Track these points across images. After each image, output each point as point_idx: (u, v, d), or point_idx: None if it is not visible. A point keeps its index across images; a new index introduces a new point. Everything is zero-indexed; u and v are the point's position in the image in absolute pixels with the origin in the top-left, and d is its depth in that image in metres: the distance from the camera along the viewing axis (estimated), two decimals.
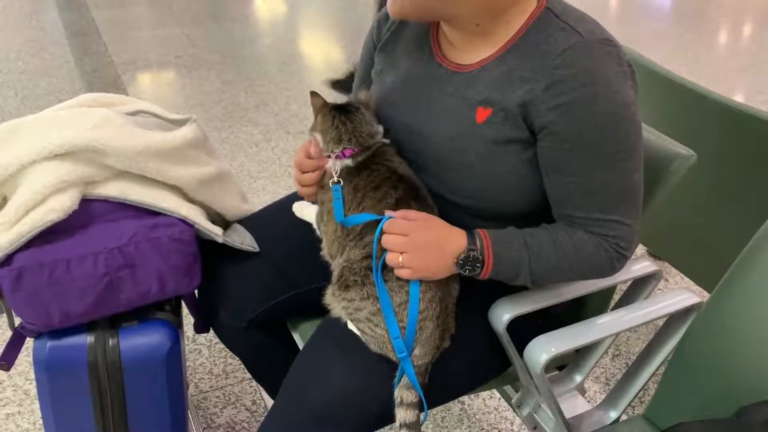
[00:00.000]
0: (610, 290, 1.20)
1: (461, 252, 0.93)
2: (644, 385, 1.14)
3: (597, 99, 0.89)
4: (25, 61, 3.41)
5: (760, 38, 4.58)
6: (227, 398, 1.61)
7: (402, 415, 0.94)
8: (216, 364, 1.70)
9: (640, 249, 2.13)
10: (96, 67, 3.40)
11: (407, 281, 0.93)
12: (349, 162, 1.01)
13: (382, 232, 0.93)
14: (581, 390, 1.21)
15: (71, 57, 3.50)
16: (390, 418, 0.96)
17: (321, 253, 1.08)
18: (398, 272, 0.92)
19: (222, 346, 1.65)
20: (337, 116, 1.03)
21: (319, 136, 1.04)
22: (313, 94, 1.07)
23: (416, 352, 0.94)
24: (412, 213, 0.95)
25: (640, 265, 1.14)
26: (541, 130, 0.92)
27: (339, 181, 1.01)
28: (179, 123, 1.21)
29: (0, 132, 1.09)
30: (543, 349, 0.96)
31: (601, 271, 0.99)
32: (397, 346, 0.93)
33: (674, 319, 1.11)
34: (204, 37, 3.89)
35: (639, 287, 1.16)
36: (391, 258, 0.92)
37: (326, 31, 4.36)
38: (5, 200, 1.04)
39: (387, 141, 1.04)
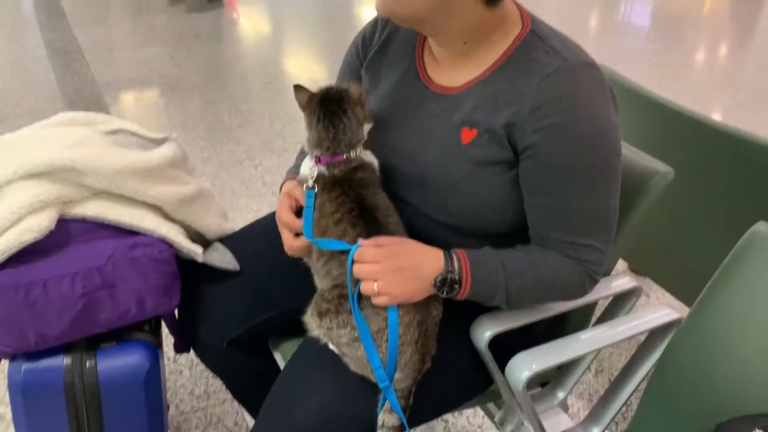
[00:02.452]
0: (591, 306, 1.20)
1: (438, 273, 0.92)
2: (626, 401, 1.14)
3: (580, 123, 0.90)
4: (5, 81, 3.39)
5: (736, 57, 4.67)
6: (209, 419, 1.58)
7: None
8: (197, 385, 1.67)
9: (621, 264, 2.15)
10: (78, 86, 3.38)
11: (384, 307, 0.92)
12: (324, 170, 1.00)
13: (353, 262, 0.92)
14: (564, 407, 1.21)
15: (53, 76, 3.48)
16: None
17: (303, 259, 1.07)
18: (375, 300, 0.91)
19: (203, 366, 1.63)
20: (322, 120, 1.00)
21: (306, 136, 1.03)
22: (297, 87, 1.03)
23: (397, 376, 0.93)
24: (382, 239, 0.94)
25: (621, 281, 1.14)
26: (524, 151, 0.93)
27: (313, 187, 0.99)
28: (159, 142, 1.20)
29: None
30: (524, 366, 0.96)
31: (573, 293, 1.00)
32: (378, 375, 0.92)
33: (655, 334, 1.11)
34: (187, 57, 3.89)
35: (620, 303, 1.17)
36: (366, 287, 0.91)
37: (310, 50, 4.38)
38: None
39: (373, 162, 1.04)
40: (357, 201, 0.98)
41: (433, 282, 0.93)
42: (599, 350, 1.15)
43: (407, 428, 0.93)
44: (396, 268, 0.91)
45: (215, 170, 2.70)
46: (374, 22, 1.12)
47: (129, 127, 1.20)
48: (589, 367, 1.21)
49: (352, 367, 0.96)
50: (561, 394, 1.21)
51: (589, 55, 0.96)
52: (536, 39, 0.95)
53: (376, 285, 0.90)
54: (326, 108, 1.00)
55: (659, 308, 1.09)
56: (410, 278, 0.92)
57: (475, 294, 0.95)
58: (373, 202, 0.99)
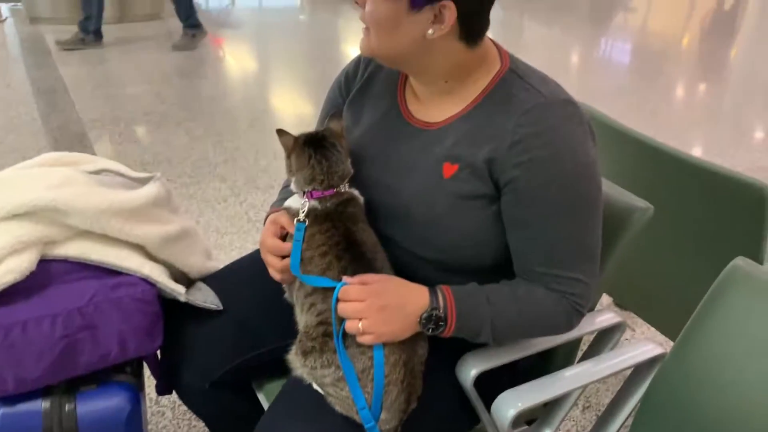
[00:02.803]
0: (576, 342, 1.20)
1: (424, 311, 0.93)
2: None
3: (559, 157, 0.92)
4: None
5: (713, 93, 4.78)
6: None
7: None
8: (180, 427, 1.64)
9: (606, 299, 2.15)
10: (62, 124, 3.38)
11: (369, 346, 0.92)
12: (316, 204, 1.01)
13: (337, 300, 0.92)
14: None
15: (38, 114, 3.48)
16: None
17: (285, 296, 1.07)
18: (360, 339, 0.91)
19: (186, 408, 1.61)
20: (314, 155, 1.01)
21: (293, 178, 1.04)
22: (281, 132, 1.05)
23: (383, 416, 0.92)
24: (367, 277, 0.94)
25: (605, 316, 1.15)
26: (505, 185, 0.94)
27: (304, 221, 1.00)
28: (143, 181, 1.20)
29: None
30: (510, 404, 0.96)
31: (559, 328, 1.00)
32: (363, 416, 0.91)
33: (640, 369, 1.11)
34: (173, 94, 3.91)
35: (604, 339, 1.17)
36: (350, 326, 0.91)
37: (295, 87, 4.42)
38: None
39: (360, 198, 1.04)
40: (345, 236, 0.99)
41: (418, 319, 0.93)
42: (585, 386, 1.15)
43: None
44: (381, 306, 0.91)
45: (200, 207, 2.69)
46: (357, 61, 1.14)
47: (113, 167, 1.20)
48: (576, 403, 1.21)
49: (337, 408, 0.95)
50: None
51: (567, 92, 0.98)
52: (515, 77, 0.97)
53: (361, 324, 0.90)
54: (315, 144, 1.02)
55: (643, 343, 1.09)
56: (395, 316, 0.92)
57: (461, 331, 0.95)
58: (360, 238, 1.00)
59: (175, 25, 5.48)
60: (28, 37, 4.87)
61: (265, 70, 4.82)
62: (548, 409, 1.20)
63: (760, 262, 1.32)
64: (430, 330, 0.93)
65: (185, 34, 4.81)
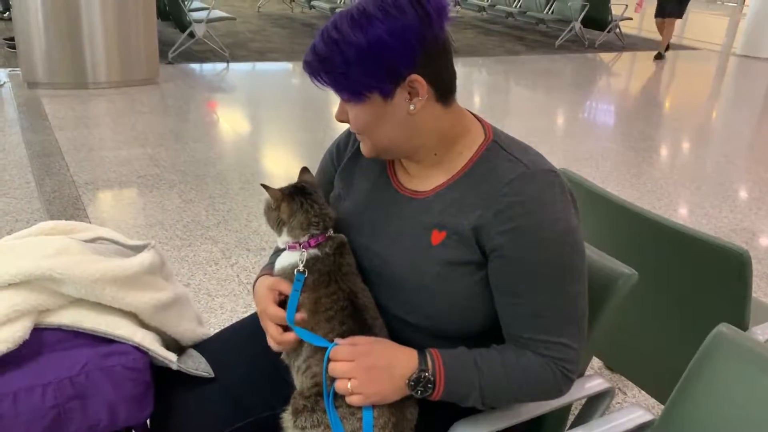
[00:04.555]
0: (567, 408, 1.21)
1: (412, 373, 0.94)
2: None
3: (542, 225, 0.95)
4: None
5: (695, 155, 4.90)
6: None
7: None
8: None
9: (597, 362, 2.16)
10: (56, 187, 3.41)
11: (359, 408, 0.93)
12: (316, 252, 1.03)
13: (329, 360, 0.94)
14: None
15: (32, 177, 3.51)
16: None
17: (282, 356, 1.08)
18: (349, 399, 0.92)
19: None
20: (304, 201, 1.06)
21: (285, 229, 1.06)
22: (266, 186, 1.08)
23: None
24: (358, 338, 0.96)
25: (594, 382, 1.16)
26: (491, 252, 0.97)
27: (304, 271, 1.02)
28: (138, 249, 1.22)
29: None
30: None
31: (548, 393, 1.01)
32: None
33: None
34: (167, 157, 3.96)
35: (594, 404, 1.18)
36: (340, 386, 0.93)
37: (286, 150, 4.50)
38: None
39: (345, 238, 1.08)
40: (350, 299, 1.02)
41: (407, 382, 0.94)
42: None
43: None
44: (369, 367, 0.93)
45: (191, 270, 2.70)
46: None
47: (108, 235, 1.22)
48: None
49: None
50: None
51: (548, 161, 1.02)
52: (498, 148, 1.01)
53: (350, 384, 0.91)
54: (301, 192, 1.07)
55: (633, 409, 1.10)
56: (384, 377, 0.93)
57: (450, 394, 0.96)
58: (363, 303, 1.03)
59: (171, 88, 5.61)
60: (24, 101, 4.95)
61: (257, 132, 4.91)
62: None
63: (745, 326, 1.34)
64: (419, 392, 0.94)
65: None
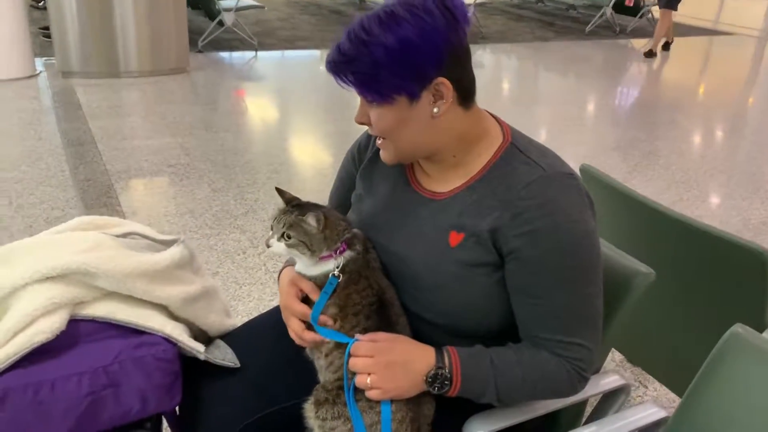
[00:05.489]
0: (582, 404, 1.23)
1: (430, 370, 0.97)
2: None
3: (559, 228, 0.97)
4: (22, 170, 3.52)
5: (727, 144, 4.81)
6: None
7: None
8: None
9: (618, 356, 2.17)
10: (89, 176, 3.51)
11: (378, 402, 0.96)
12: (351, 253, 1.06)
13: (349, 355, 0.98)
14: None
15: (66, 166, 3.61)
16: None
17: (305, 351, 1.11)
18: (368, 393, 0.96)
19: None
20: (323, 215, 1.05)
21: (323, 247, 1.06)
22: (300, 215, 1.06)
23: None
24: (378, 335, 1.00)
25: (610, 379, 1.18)
26: (508, 254, 1.00)
27: (338, 275, 1.05)
28: (168, 243, 1.27)
29: None
30: None
31: (562, 392, 1.03)
32: None
33: (646, 430, 1.13)
34: (197, 147, 4.04)
35: (609, 401, 1.20)
36: (359, 380, 0.96)
37: (313, 139, 4.54)
38: None
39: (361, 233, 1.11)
40: (378, 296, 1.05)
41: (424, 378, 0.97)
42: None
43: None
44: (388, 363, 0.96)
45: (220, 258, 2.76)
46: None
47: (139, 230, 1.27)
48: None
49: None
50: None
51: (566, 163, 1.03)
52: (516, 151, 1.03)
53: (369, 379, 0.95)
54: (312, 206, 1.09)
55: (647, 406, 1.12)
56: (402, 373, 0.97)
57: (466, 390, 0.99)
58: (389, 299, 1.06)
59: (200, 77, 5.68)
60: (59, 90, 5.07)
61: (285, 122, 4.96)
62: None
63: (764, 326, 1.34)
64: (436, 389, 0.97)
65: None
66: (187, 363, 1.18)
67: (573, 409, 1.20)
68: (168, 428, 1.27)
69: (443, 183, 1.08)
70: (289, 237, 1.05)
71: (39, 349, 1.04)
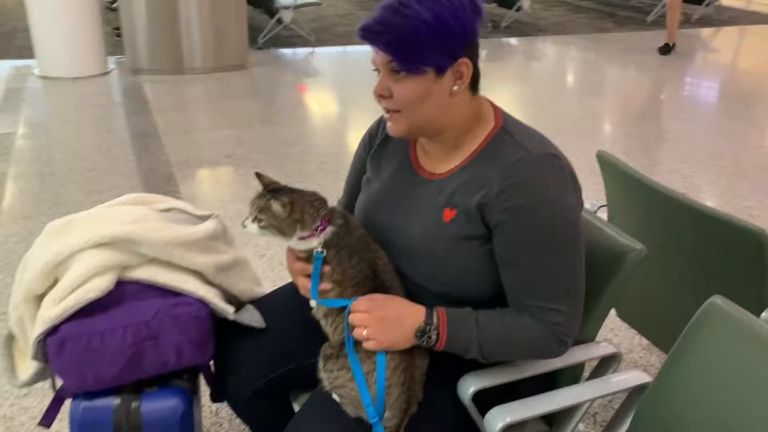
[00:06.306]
0: (579, 370, 1.32)
1: (419, 325, 1.09)
2: None
3: (538, 205, 1.07)
4: (93, 160, 3.81)
5: None
6: None
7: None
8: None
9: (644, 341, 2.20)
10: (153, 165, 3.77)
11: (374, 353, 1.09)
12: (333, 229, 1.16)
13: (349, 312, 1.11)
14: None
15: (132, 156, 3.89)
16: None
17: (312, 312, 1.24)
18: (365, 345, 1.09)
19: (241, 420, 1.80)
20: (293, 193, 1.17)
21: (297, 227, 1.16)
22: (269, 200, 1.17)
23: (386, 414, 1.08)
24: (374, 295, 1.12)
25: (600, 347, 1.26)
26: (494, 227, 1.10)
27: (322, 251, 1.16)
28: (204, 218, 1.43)
29: (57, 225, 1.33)
30: (499, 417, 1.09)
31: (542, 352, 1.13)
32: (369, 413, 1.08)
33: (633, 395, 1.22)
34: (252, 139, 4.25)
35: (602, 368, 1.28)
36: (357, 333, 1.09)
37: (362, 134, 4.68)
38: (56, 281, 1.26)
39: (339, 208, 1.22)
40: (372, 268, 1.17)
41: (414, 332, 1.09)
42: (584, 411, 1.26)
43: None
44: (382, 318, 1.09)
45: (268, 242, 2.94)
46: (378, 121, 1.33)
47: (180, 206, 1.44)
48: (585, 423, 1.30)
49: (349, 410, 1.11)
50: None
51: (553, 145, 1.13)
52: (505, 134, 1.13)
53: (365, 331, 1.08)
54: (286, 190, 1.20)
55: (631, 372, 1.20)
56: (394, 327, 1.09)
57: (451, 345, 1.10)
58: (382, 268, 1.18)
59: (259, 73, 5.92)
60: (129, 86, 5.40)
61: (337, 116, 5.13)
62: (553, 430, 1.32)
63: (763, 307, 1.39)
64: (425, 342, 1.09)
65: None
66: (220, 323, 1.33)
67: (570, 374, 1.28)
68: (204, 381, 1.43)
69: (442, 164, 1.19)
70: (260, 220, 1.16)
71: (91, 305, 1.22)
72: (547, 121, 4.75)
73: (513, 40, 7.63)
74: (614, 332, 2.33)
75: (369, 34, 1.06)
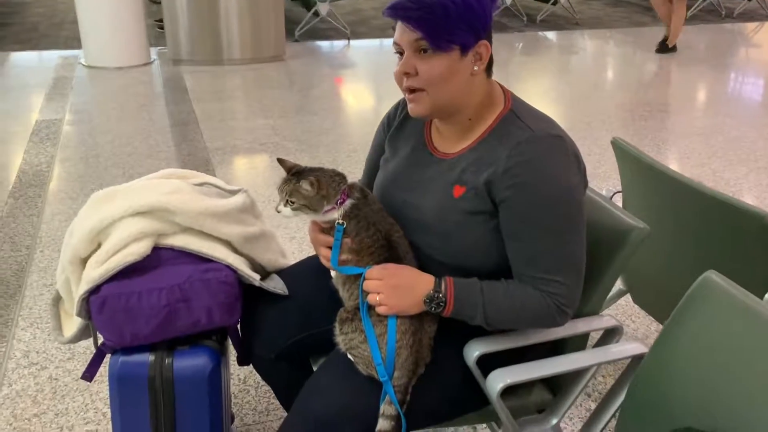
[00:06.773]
0: (583, 342, 1.38)
1: (428, 292, 1.17)
2: (606, 425, 1.30)
3: (541, 183, 1.14)
4: (134, 146, 3.98)
5: None
6: None
7: (382, 424, 1.16)
8: (260, 403, 1.95)
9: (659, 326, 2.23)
10: (191, 151, 3.92)
11: (386, 317, 1.18)
12: (351, 200, 1.26)
13: (365, 279, 1.19)
14: (557, 430, 1.38)
15: (172, 143, 4.04)
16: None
17: (331, 281, 1.33)
18: (377, 309, 1.17)
19: (267, 387, 1.91)
20: (315, 171, 1.28)
21: (324, 202, 1.25)
22: (296, 182, 1.27)
23: (396, 374, 1.17)
24: (388, 264, 1.21)
25: (603, 320, 1.32)
26: (500, 203, 1.18)
27: (343, 222, 1.25)
28: (234, 192, 1.54)
29: (101, 195, 1.45)
30: (500, 379, 1.17)
31: (544, 322, 1.20)
32: (379, 371, 1.17)
33: (631, 365, 1.28)
34: (286, 128, 4.37)
35: (605, 339, 1.34)
36: (371, 298, 1.18)
37: None
38: (99, 245, 1.38)
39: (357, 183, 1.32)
40: (387, 238, 1.26)
41: (423, 299, 1.17)
42: (586, 380, 1.33)
43: (402, 417, 1.16)
44: (394, 285, 1.17)
45: (298, 225, 3.05)
46: (396, 105, 1.42)
47: (211, 181, 1.55)
48: (589, 396, 1.37)
49: (361, 368, 1.21)
50: (554, 420, 1.38)
51: (558, 127, 1.19)
52: (513, 116, 1.20)
53: (378, 297, 1.16)
54: (308, 170, 1.30)
55: (628, 342, 1.26)
56: (405, 294, 1.18)
57: (458, 312, 1.18)
58: (396, 240, 1.27)
59: (296, 65, 6.05)
60: (169, 76, 5.59)
61: (369, 107, 5.22)
62: (556, 400, 1.39)
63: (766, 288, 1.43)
64: (433, 309, 1.17)
65: None
66: (247, 289, 1.44)
67: (574, 345, 1.35)
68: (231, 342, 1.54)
69: (454, 144, 1.27)
70: (292, 203, 1.26)
71: (130, 268, 1.33)
72: (578, 114, 4.76)
73: (549, 34, 7.61)
74: (632, 318, 2.37)
75: (401, 11, 1.13)
